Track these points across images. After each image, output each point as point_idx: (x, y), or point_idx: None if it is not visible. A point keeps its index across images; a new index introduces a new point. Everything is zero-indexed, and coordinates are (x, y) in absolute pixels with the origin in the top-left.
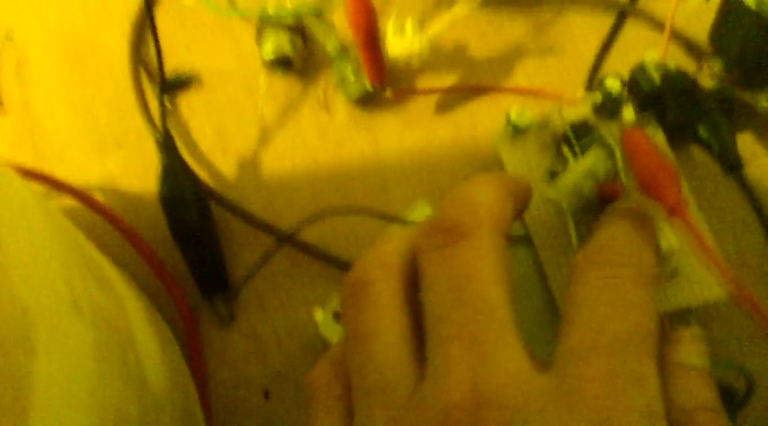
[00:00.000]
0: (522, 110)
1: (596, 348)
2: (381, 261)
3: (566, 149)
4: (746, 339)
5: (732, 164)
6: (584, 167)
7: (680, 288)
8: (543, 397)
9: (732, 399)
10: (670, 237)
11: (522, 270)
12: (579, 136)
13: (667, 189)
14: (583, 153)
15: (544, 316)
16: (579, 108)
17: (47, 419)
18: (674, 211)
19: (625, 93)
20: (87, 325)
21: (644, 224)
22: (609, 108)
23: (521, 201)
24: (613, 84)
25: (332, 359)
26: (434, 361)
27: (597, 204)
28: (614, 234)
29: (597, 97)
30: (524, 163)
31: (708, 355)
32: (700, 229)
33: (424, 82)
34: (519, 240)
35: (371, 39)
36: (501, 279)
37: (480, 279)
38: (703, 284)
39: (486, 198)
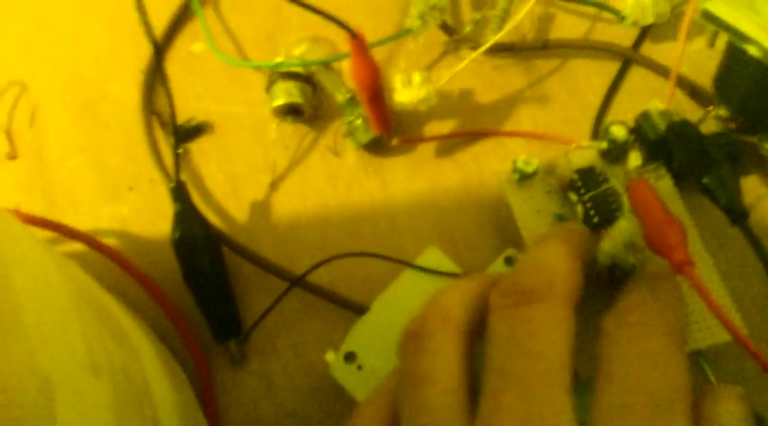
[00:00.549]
0: (528, 158)
1: (631, 406)
2: (445, 314)
3: (572, 194)
4: (757, 378)
5: (737, 215)
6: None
7: (689, 330)
8: None
9: None
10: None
11: None
12: (587, 182)
13: (673, 246)
14: (590, 200)
15: None
16: (586, 153)
17: None
18: (680, 269)
19: (631, 140)
20: (105, 383)
21: (670, 286)
22: (615, 154)
23: (588, 256)
24: (619, 131)
25: (378, 402)
26: (486, 408)
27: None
28: (643, 296)
29: (603, 144)
30: (532, 208)
31: (750, 417)
32: (705, 285)
33: (432, 128)
34: None
35: (376, 95)
36: (566, 346)
37: (546, 339)
38: (713, 326)
39: (562, 266)
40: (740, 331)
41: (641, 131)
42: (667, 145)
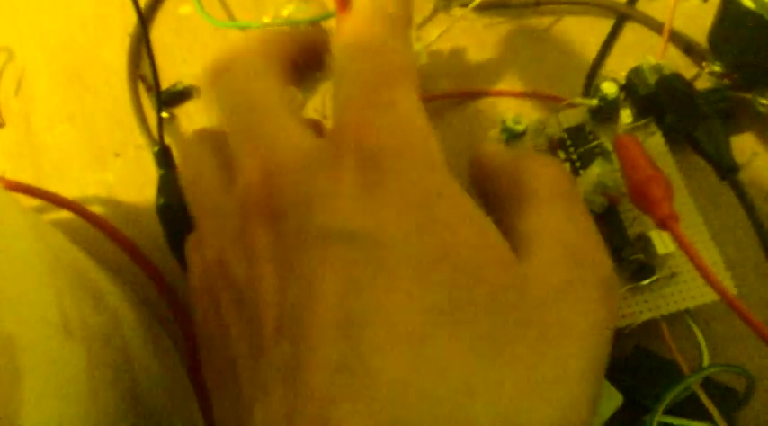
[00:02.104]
0: (517, 117)
1: (351, 96)
2: (198, 130)
3: (561, 154)
4: (747, 339)
5: (726, 169)
6: (591, 180)
7: (678, 289)
8: (319, 150)
9: (733, 399)
10: (667, 242)
11: None
12: (576, 140)
13: (657, 202)
14: (578, 158)
15: None
16: (576, 112)
17: None
18: (664, 225)
19: (622, 97)
20: (78, 344)
21: None
22: (606, 112)
23: (296, 39)
24: (610, 88)
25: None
26: (235, 167)
27: (604, 213)
28: None
29: (594, 101)
30: None
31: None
32: (689, 240)
33: (423, 87)
34: None
35: None
36: (271, 85)
37: (252, 88)
38: (701, 286)
39: (252, 37)
40: (727, 290)
41: (632, 87)
42: (658, 100)
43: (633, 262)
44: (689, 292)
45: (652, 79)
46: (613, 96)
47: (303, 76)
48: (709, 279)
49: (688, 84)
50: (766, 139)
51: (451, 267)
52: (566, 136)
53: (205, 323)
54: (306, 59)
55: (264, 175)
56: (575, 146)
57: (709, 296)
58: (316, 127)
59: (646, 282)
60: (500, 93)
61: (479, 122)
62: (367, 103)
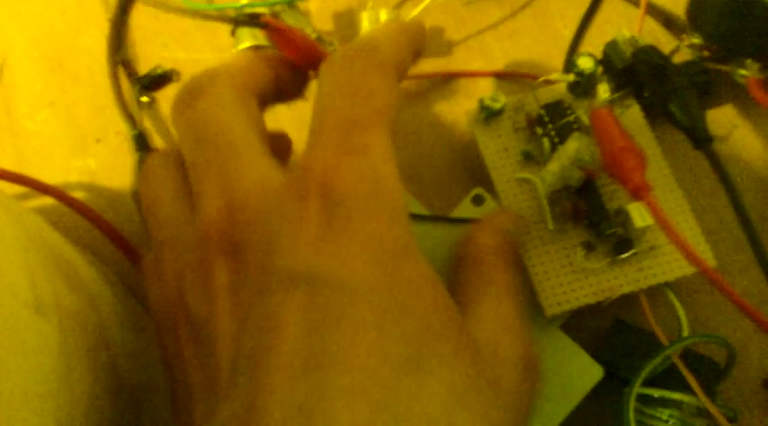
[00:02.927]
0: (495, 94)
1: (323, 136)
2: (159, 152)
3: (539, 130)
4: (728, 311)
5: (701, 139)
6: (569, 154)
7: (657, 262)
8: (285, 189)
9: (714, 370)
10: (645, 215)
11: None
12: (553, 116)
13: (630, 171)
14: (556, 133)
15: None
16: (554, 89)
17: (4, 416)
18: (637, 194)
19: (599, 71)
20: (51, 325)
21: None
22: (584, 87)
23: (269, 67)
24: (586, 63)
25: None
26: (196, 201)
27: (582, 187)
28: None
29: (570, 77)
30: (499, 146)
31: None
32: (663, 211)
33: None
34: None
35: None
36: (238, 115)
37: (219, 121)
38: (680, 258)
39: (223, 65)
40: (703, 261)
41: (609, 61)
42: (634, 72)
43: (612, 236)
44: (668, 265)
45: (629, 52)
46: (590, 71)
47: (280, 100)
48: (684, 250)
49: (663, 57)
50: (745, 112)
51: (417, 321)
52: (543, 112)
53: (164, 347)
54: (281, 85)
55: (226, 211)
56: (552, 122)
57: (689, 268)
58: (282, 142)
59: (625, 256)
60: (477, 74)
61: (457, 101)
62: (338, 145)
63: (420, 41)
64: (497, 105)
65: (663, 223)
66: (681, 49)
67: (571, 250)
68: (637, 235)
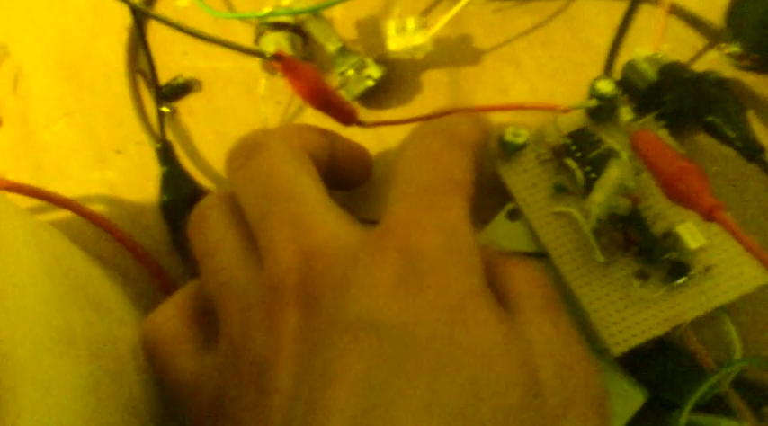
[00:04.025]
0: (515, 129)
1: (404, 197)
2: (213, 197)
3: (569, 161)
4: None
5: (752, 151)
6: (613, 182)
7: (715, 282)
8: (363, 244)
9: (760, 394)
10: (697, 235)
11: None
12: (581, 144)
13: (697, 194)
14: (588, 162)
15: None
16: (574, 115)
17: None
18: (711, 216)
19: (619, 94)
20: (81, 356)
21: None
22: (605, 111)
23: (340, 146)
24: (606, 86)
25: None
26: (264, 248)
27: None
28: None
29: (592, 102)
30: (527, 181)
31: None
32: (739, 228)
33: (429, 76)
34: (536, 256)
35: (323, 100)
36: (301, 171)
37: (282, 174)
38: (738, 276)
39: (279, 128)
40: None
41: (629, 82)
42: (658, 91)
43: (666, 261)
44: (728, 283)
45: (650, 71)
46: (611, 94)
47: (337, 182)
48: (765, 262)
49: (691, 71)
50: (764, 118)
51: (475, 372)
52: (569, 141)
53: (221, 385)
54: (339, 165)
55: (302, 260)
56: (582, 151)
57: (749, 284)
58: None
59: (682, 280)
60: (489, 109)
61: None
62: (420, 204)
63: (487, 132)
64: (520, 140)
65: (740, 237)
66: (702, 58)
67: (625, 281)
68: (690, 258)
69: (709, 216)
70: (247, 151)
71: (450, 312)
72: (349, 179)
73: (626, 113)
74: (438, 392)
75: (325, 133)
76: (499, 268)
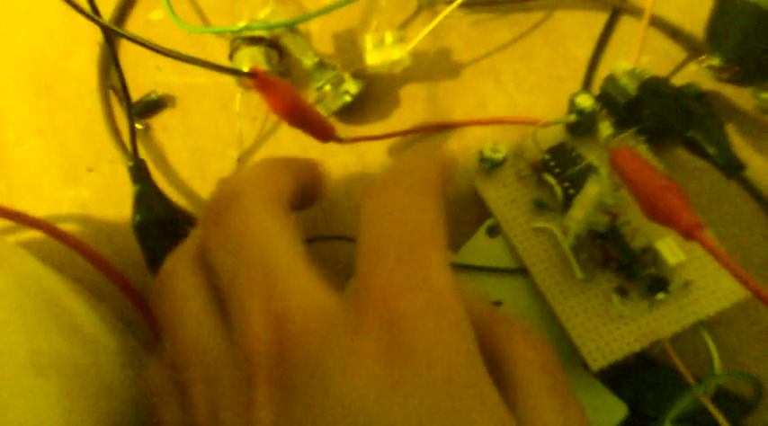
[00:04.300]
0: (494, 145)
1: (377, 259)
2: (181, 255)
3: (548, 177)
4: (755, 343)
5: (732, 168)
6: (591, 199)
7: (694, 298)
8: (340, 319)
9: (741, 405)
10: (675, 251)
11: (521, 302)
12: (560, 160)
13: (677, 212)
14: (566, 178)
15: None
16: (553, 130)
17: None
18: (691, 234)
19: (598, 108)
20: (52, 384)
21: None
22: (584, 126)
23: (303, 175)
24: (585, 101)
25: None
26: (235, 317)
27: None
28: (393, 171)
29: (571, 117)
30: (506, 197)
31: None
32: (718, 245)
33: (407, 91)
34: (515, 272)
35: (299, 117)
36: (276, 229)
37: (255, 235)
38: (717, 291)
39: (249, 173)
40: (760, 287)
41: (609, 97)
42: (637, 106)
43: (645, 277)
44: (705, 299)
45: (630, 86)
46: (590, 109)
47: (301, 206)
48: (745, 282)
49: (671, 86)
50: (746, 133)
51: None
52: (548, 157)
53: None
54: (303, 192)
55: (275, 334)
56: (561, 167)
57: (728, 300)
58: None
59: (661, 296)
60: (470, 123)
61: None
62: (395, 265)
63: (449, 167)
64: (499, 156)
65: (720, 256)
66: (681, 71)
67: (604, 297)
68: (669, 273)
69: (688, 235)
70: (221, 206)
71: (441, 394)
72: (309, 199)
73: (605, 128)
74: None
75: (289, 166)
76: (494, 330)
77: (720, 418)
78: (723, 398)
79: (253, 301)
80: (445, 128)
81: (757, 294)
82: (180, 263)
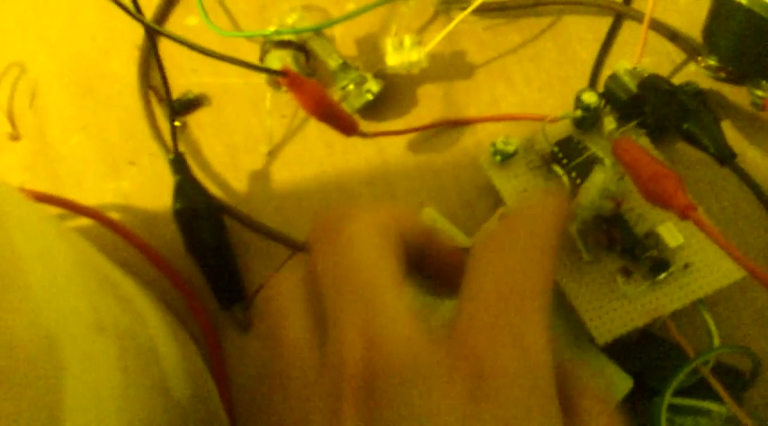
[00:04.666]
0: (506, 138)
1: (479, 302)
2: (285, 276)
3: (556, 167)
4: (752, 322)
5: (725, 156)
6: (597, 187)
7: (694, 278)
8: (433, 355)
9: (740, 379)
10: (676, 234)
11: None
12: (567, 152)
13: (673, 195)
14: (572, 168)
15: (565, 328)
16: (561, 125)
17: None
18: (685, 215)
19: (602, 105)
20: (111, 342)
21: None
22: (589, 120)
23: (407, 224)
24: (590, 98)
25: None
26: (332, 336)
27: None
28: (509, 223)
29: (577, 112)
30: (518, 187)
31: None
32: (711, 225)
33: (425, 91)
34: None
35: (326, 112)
36: (381, 258)
37: (362, 260)
38: (715, 271)
39: (360, 202)
40: (752, 262)
41: (612, 94)
42: (641, 101)
43: (648, 259)
44: (705, 279)
45: (631, 84)
46: (595, 105)
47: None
48: (735, 256)
49: (670, 83)
50: (741, 129)
51: None
52: (557, 149)
53: None
54: (413, 243)
55: (367, 354)
56: (568, 158)
57: (726, 279)
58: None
59: (662, 276)
60: (484, 119)
61: (467, 148)
62: (494, 319)
63: (567, 216)
64: (510, 148)
65: (713, 236)
66: (679, 71)
67: (609, 277)
68: (671, 255)
69: (683, 215)
70: (331, 226)
71: None
72: (438, 282)
73: (609, 123)
74: None
75: (422, 225)
76: (568, 382)
77: (719, 388)
78: (722, 371)
79: (350, 323)
80: (460, 124)
81: (749, 270)
82: (286, 281)
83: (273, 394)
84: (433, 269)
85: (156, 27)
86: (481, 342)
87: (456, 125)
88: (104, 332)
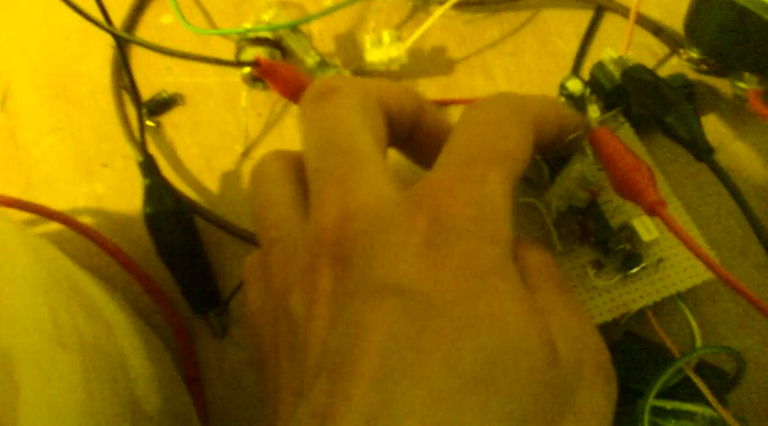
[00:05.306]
0: None
1: (447, 163)
2: (275, 152)
3: (536, 155)
4: (735, 321)
5: (702, 151)
6: (573, 177)
7: (667, 274)
8: (397, 206)
9: (724, 380)
10: (651, 228)
11: None
12: None
13: (643, 189)
14: (553, 157)
15: None
16: None
17: None
18: (653, 211)
19: (587, 93)
20: (73, 356)
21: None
22: (574, 109)
23: (393, 97)
24: (575, 85)
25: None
26: (312, 203)
27: (586, 207)
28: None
29: (561, 100)
30: None
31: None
32: (679, 223)
33: (405, 85)
34: None
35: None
36: (366, 128)
37: (347, 126)
38: (689, 268)
39: (350, 80)
40: (720, 266)
41: (597, 82)
42: (624, 91)
43: (620, 252)
44: (677, 276)
45: (616, 73)
46: (579, 93)
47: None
48: (703, 258)
49: (653, 74)
50: (730, 122)
51: (496, 336)
52: None
53: (260, 345)
54: (400, 119)
55: (341, 219)
56: None
57: (699, 277)
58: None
59: (635, 270)
60: (463, 101)
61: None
62: (459, 174)
63: (569, 122)
64: None
65: (681, 234)
66: (664, 64)
67: (580, 269)
68: (644, 250)
69: (651, 211)
70: (318, 96)
71: (474, 281)
72: (426, 157)
73: (593, 111)
74: (460, 353)
75: (415, 97)
76: (516, 249)
77: (704, 388)
78: (706, 371)
79: (329, 186)
80: (444, 104)
81: (716, 271)
82: (273, 155)
83: (259, 271)
84: (424, 143)
85: (126, 35)
86: (440, 197)
87: (439, 105)
88: (66, 346)
